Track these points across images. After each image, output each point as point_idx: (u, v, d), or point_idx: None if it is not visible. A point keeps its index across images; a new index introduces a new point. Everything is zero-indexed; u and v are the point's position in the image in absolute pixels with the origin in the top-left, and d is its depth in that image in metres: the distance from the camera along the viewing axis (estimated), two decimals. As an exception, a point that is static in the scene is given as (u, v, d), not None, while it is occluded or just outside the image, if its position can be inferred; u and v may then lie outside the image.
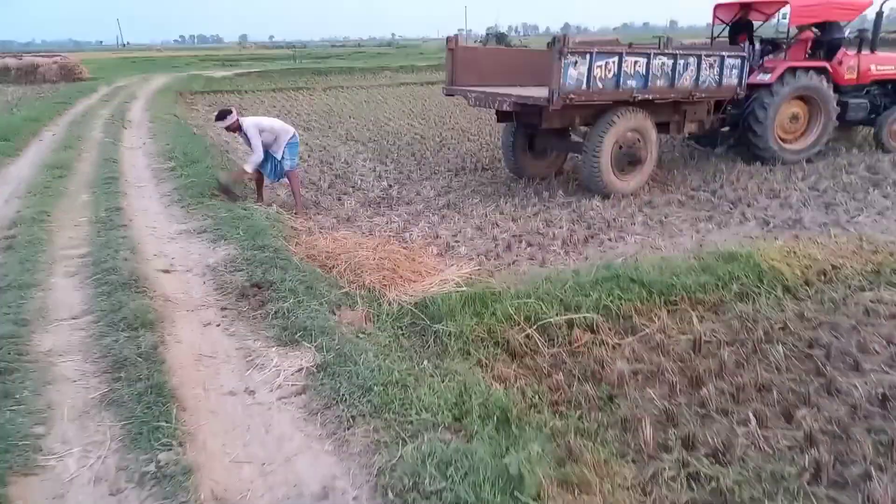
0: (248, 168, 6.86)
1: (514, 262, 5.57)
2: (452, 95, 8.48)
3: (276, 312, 3.84)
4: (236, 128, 6.81)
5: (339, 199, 7.91)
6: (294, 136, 7.24)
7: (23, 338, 3.41)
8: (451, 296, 4.34)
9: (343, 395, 2.96)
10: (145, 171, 8.60)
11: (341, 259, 5.01)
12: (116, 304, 3.79)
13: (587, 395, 3.45)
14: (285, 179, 7.39)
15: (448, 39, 8.41)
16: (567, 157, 9.17)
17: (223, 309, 4.01)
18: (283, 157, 7.06)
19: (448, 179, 8.87)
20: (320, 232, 6.36)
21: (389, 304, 4.31)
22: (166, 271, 4.63)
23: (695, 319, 4.34)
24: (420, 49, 72.11)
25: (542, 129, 7.85)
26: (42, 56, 34.50)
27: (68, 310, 3.87)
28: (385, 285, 4.61)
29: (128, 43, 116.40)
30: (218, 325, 3.80)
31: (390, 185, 8.62)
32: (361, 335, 3.79)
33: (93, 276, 4.33)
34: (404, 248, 5.74)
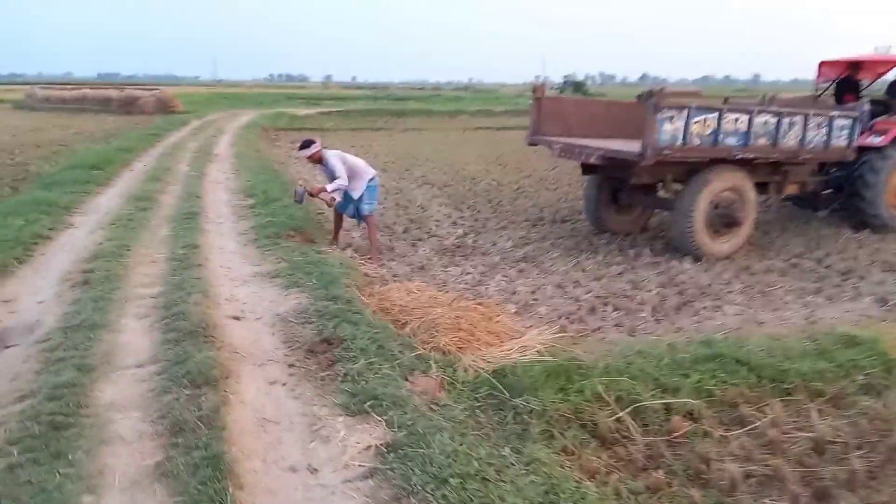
0: (330, 188, 6.69)
1: (599, 329, 5.14)
2: (536, 145, 8.20)
3: (345, 374, 3.57)
4: (318, 159, 6.75)
5: (414, 246, 7.70)
6: (374, 178, 7.12)
7: (84, 387, 3.25)
8: (532, 366, 3.96)
9: (415, 485, 2.62)
10: (225, 207, 8.68)
11: (415, 315, 4.72)
12: (182, 354, 3.61)
13: (693, 502, 2.97)
14: (363, 223, 7.26)
15: (535, 88, 8.18)
16: (653, 213, 8.69)
17: (290, 366, 3.77)
18: (361, 200, 6.93)
19: (526, 230, 8.53)
20: (394, 280, 6.13)
21: (465, 371, 3.96)
22: (236, 318, 4.46)
23: (814, 414, 3.78)
24: (496, 94, 73.02)
25: (629, 184, 7.46)
26: (141, 89, 36.81)
27: (134, 356, 3.72)
28: (460, 348, 4.27)
29: (221, 80, 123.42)
30: (284, 385, 3.56)
31: (466, 233, 8.36)
32: (435, 407, 3.46)
33: (163, 319, 4.20)
34: (480, 304, 5.40)
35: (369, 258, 6.79)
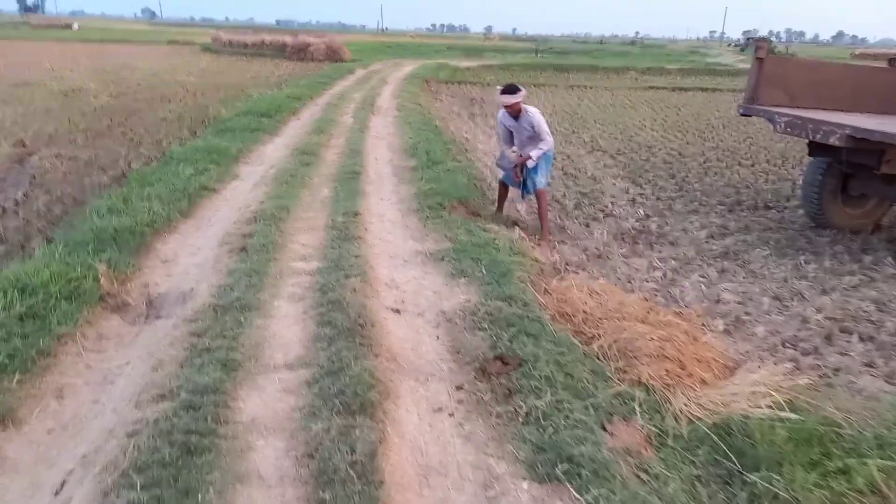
0: (535, 154, 5.86)
1: (842, 369, 3.96)
2: (749, 115, 6.81)
3: (527, 414, 2.81)
4: (518, 110, 5.89)
5: (588, 227, 6.75)
6: (552, 145, 6.19)
7: (227, 394, 2.78)
8: (770, 425, 2.98)
9: None
10: (387, 166, 8.22)
11: (604, 328, 3.85)
12: (337, 360, 3.05)
13: None
14: (529, 196, 6.40)
15: (758, 47, 6.74)
16: (889, 208, 7.00)
17: (458, 388, 3.08)
18: (535, 170, 6.05)
19: (721, 217, 7.23)
20: (568, 270, 5.29)
21: (677, 420, 3.07)
22: (396, 311, 3.86)
23: None
24: (666, 50, 67.67)
25: (870, 172, 5.93)
26: (313, 36, 38.03)
27: (284, 353, 3.23)
28: (668, 385, 3.36)
29: (386, 28, 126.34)
30: (451, 415, 2.88)
31: (648, 216, 7.24)
32: (645, 476, 2.62)
33: (317, 307, 3.69)
34: (679, 315, 4.41)
35: (539, 241, 5.97)
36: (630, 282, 5.27)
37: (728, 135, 12.96)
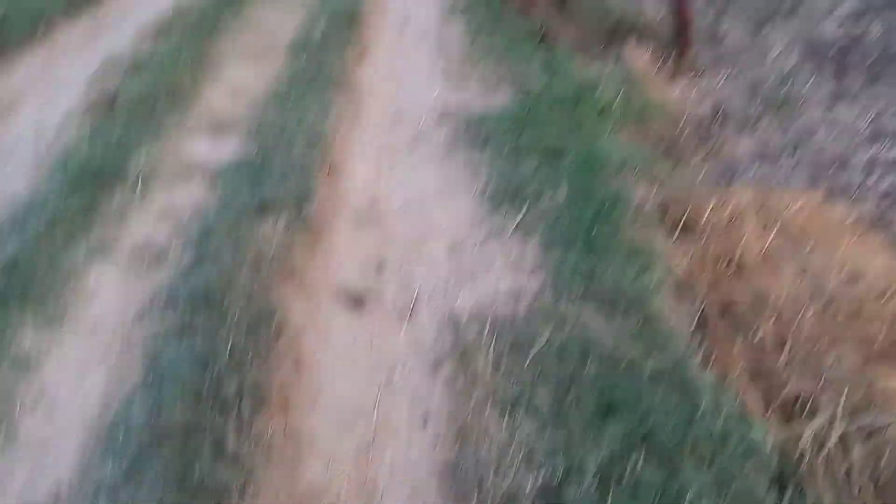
0: None
1: None
2: None
3: None
4: None
5: (757, 32, 4.07)
6: None
7: None
8: None
9: None
10: None
11: (827, 356, 1.66)
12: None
13: None
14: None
15: None
16: None
17: None
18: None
19: None
20: (725, 141, 2.94)
21: None
22: (357, 303, 1.75)
23: None
24: None
25: None
26: None
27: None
28: None
29: None
30: None
31: (862, 12, 4.36)
32: None
33: (175, 304, 1.65)
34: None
35: (676, 62, 3.48)
36: (843, 169, 2.86)
37: None
